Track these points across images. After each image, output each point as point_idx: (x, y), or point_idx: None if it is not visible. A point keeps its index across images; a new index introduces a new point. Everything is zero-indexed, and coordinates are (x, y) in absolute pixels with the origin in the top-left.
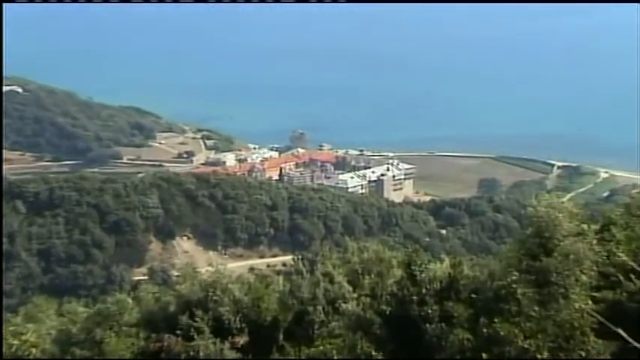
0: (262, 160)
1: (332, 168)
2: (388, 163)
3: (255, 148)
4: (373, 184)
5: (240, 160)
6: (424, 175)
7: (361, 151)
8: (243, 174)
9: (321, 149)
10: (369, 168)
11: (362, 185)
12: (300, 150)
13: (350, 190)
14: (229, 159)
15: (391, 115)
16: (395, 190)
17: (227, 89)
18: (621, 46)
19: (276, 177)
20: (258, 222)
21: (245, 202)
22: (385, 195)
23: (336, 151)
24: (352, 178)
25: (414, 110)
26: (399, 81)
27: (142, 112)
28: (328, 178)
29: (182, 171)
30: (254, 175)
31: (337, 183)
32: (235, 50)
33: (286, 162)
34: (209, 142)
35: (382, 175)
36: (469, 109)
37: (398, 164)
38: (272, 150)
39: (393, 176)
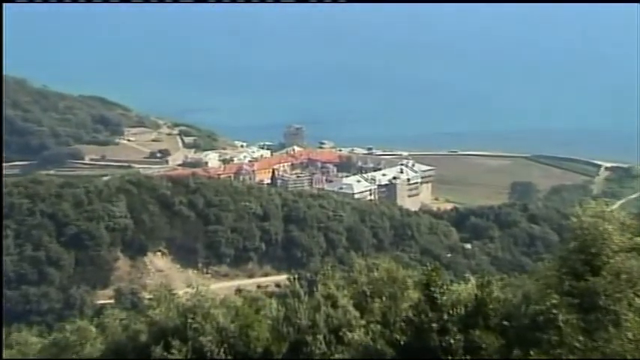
0: (251, 161)
1: (335, 170)
2: (402, 164)
3: (242, 146)
4: (384, 189)
5: (224, 161)
6: (445, 178)
7: (369, 149)
8: (229, 177)
9: (321, 147)
10: (379, 170)
11: (370, 190)
12: (297, 148)
13: (356, 196)
14: (212, 159)
15: (405, 106)
16: (410, 196)
17: (210, 75)
18: None
19: (268, 180)
20: (246, 234)
21: (231, 211)
22: (398, 202)
23: (340, 150)
24: (359, 181)
25: (432, 101)
26: (415, 67)
27: (107, 103)
28: (330, 181)
29: (156, 173)
30: (241, 178)
31: (341, 188)
32: (219, 27)
33: (280, 162)
34: (188, 139)
35: (395, 178)
36: (497, 100)
37: (413, 165)
38: (263, 148)
39: (408, 179)
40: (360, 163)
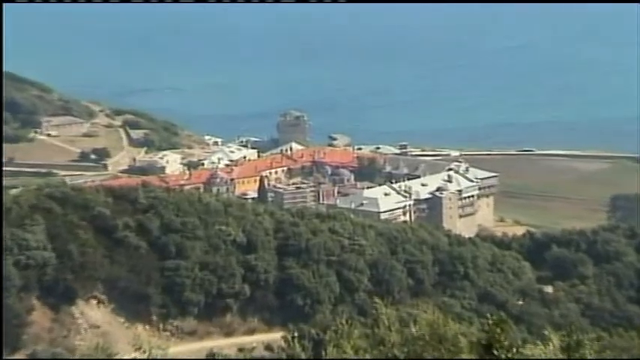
0: (229, 165)
1: (351, 177)
2: (450, 169)
3: (216, 144)
4: (424, 205)
5: (190, 165)
6: (514, 189)
7: (403, 147)
8: (197, 188)
9: (332, 145)
10: (417, 177)
11: (404, 208)
12: (296, 146)
13: (383, 215)
14: (172, 162)
15: (454, 85)
16: (463, 215)
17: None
18: None
19: (253, 193)
20: (222, 273)
21: (199, 239)
22: (445, 224)
23: (359, 149)
24: (387, 194)
25: (495, 79)
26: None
27: (17, 80)
28: (345, 195)
29: (89, 183)
30: (215, 190)
31: (361, 204)
32: None
33: (272, 167)
34: (136, 134)
35: (440, 189)
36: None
37: (467, 170)
38: (246, 147)
39: (459, 192)
40: (388, 168)
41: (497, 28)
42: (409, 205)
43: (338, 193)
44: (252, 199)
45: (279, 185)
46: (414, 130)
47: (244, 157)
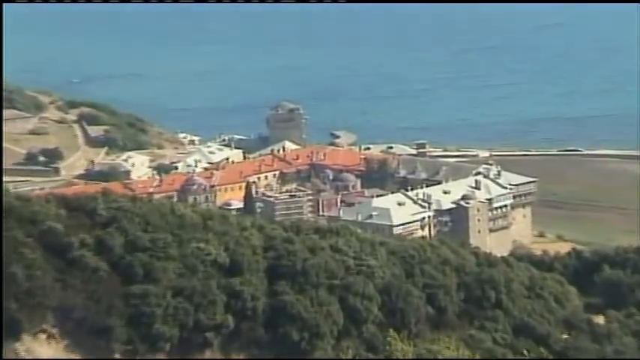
0: (209, 169)
1: (357, 183)
2: (479, 173)
3: (192, 143)
4: (447, 217)
5: (161, 169)
6: (555, 197)
7: (420, 146)
8: (169, 197)
9: (334, 144)
10: (438, 183)
11: (423, 220)
12: (290, 145)
13: (397, 229)
14: (138, 166)
15: (479, 68)
16: (494, 230)
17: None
18: None
19: (239, 203)
20: (200, 301)
21: (173, 259)
22: (473, 240)
23: (367, 148)
24: (401, 204)
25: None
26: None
27: None
28: (350, 204)
29: (37, 192)
30: (192, 198)
31: (370, 216)
32: None
33: (260, 171)
34: (94, 130)
35: (466, 198)
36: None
37: (499, 174)
38: (229, 146)
39: (489, 200)
40: (403, 172)
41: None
42: (428, 218)
43: (341, 202)
44: (237, 210)
45: (269, 193)
46: (433, 126)
47: (227, 159)
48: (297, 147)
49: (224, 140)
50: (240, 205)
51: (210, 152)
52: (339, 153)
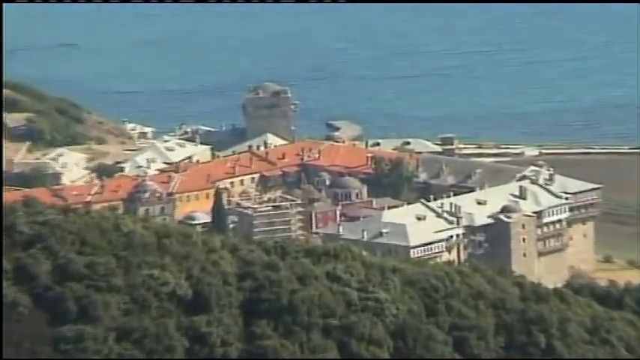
0: (166, 171)
1: (363, 190)
2: (524, 177)
3: (144, 136)
4: (482, 234)
5: (102, 171)
6: (625, 209)
7: (447, 141)
8: (113, 208)
9: (331, 138)
10: (469, 189)
11: (450, 239)
12: (274, 140)
13: (416, 251)
14: (73, 165)
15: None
16: (545, 252)
17: None
18: None
19: (205, 217)
20: (154, 345)
21: (117, 291)
22: (516, 267)
23: (376, 144)
24: (421, 219)
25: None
26: None
27: None
28: (353, 218)
29: None
30: (143, 210)
31: (380, 233)
32: None
33: (233, 174)
34: (12, 119)
35: (507, 210)
36: None
37: (551, 178)
38: (192, 141)
39: (539, 214)
40: (423, 176)
41: None
42: (457, 236)
43: (342, 215)
44: (203, 225)
45: (246, 203)
46: (464, 115)
47: (190, 158)
48: (284, 142)
49: (186, 133)
50: (208, 218)
51: (168, 149)
52: (339, 150)
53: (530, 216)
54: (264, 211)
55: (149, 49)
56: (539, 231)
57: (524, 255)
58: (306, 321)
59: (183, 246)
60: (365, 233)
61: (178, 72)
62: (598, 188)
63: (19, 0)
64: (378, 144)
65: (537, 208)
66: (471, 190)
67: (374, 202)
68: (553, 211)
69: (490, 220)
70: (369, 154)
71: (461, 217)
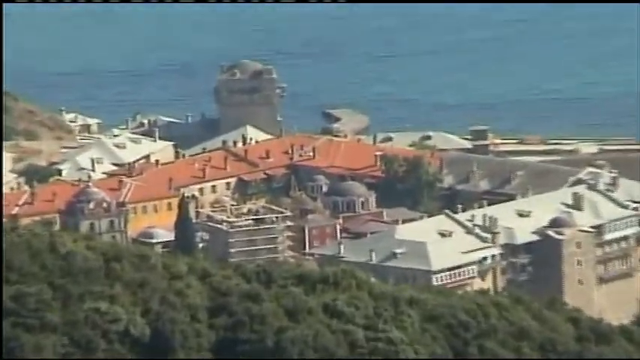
0: (116, 174)
1: (371, 198)
2: (580, 181)
3: (88, 129)
4: (524, 256)
5: (31, 174)
6: None
7: (478, 135)
8: (48, 222)
9: (329, 132)
10: (507, 198)
11: (484, 261)
12: (255, 135)
13: (439, 277)
14: None
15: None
16: (608, 278)
17: None
18: None
19: (166, 233)
20: None
21: (53, 330)
22: (569, 297)
23: (387, 139)
24: (446, 236)
25: None
26: None
27: None
28: (357, 235)
29: None
30: (87, 224)
31: (392, 255)
32: None
33: (203, 178)
34: None
35: (558, 224)
36: None
37: (614, 183)
38: (148, 135)
39: (598, 228)
40: (449, 179)
41: None
42: (493, 258)
43: (343, 231)
44: (165, 244)
45: (220, 216)
46: (501, 101)
47: (146, 158)
48: (268, 137)
49: (142, 125)
50: (170, 236)
51: (119, 146)
52: (339, 147)
53: (587, 231)
54: (243, 225)
55: (92, 20)
56: (598, 251)
57: (580, 282)
58: None
59: (139, 271)
60: (374, 254)
61: (130, 48)
62: None
63: (19, 0)
64: (389, 139)
65: (597, 222)
66: (511, 198)
67: (385, 214)
68: (617, 225)
69: (535, 237)
70: (379, 152)
71: (497, 233)
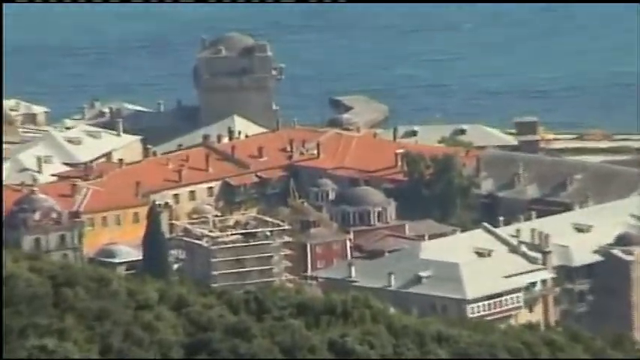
0: (68, 177)
1: (390, 206)
2: None
3: (33, 120)
4: (585, 281)
5: None
6: None
7: (526, 128)
8: None
9: (339, 123)
10: (563, 207)
11: (532, 288)
12: (245, 127)
13: (476, 307)
14: None
15: None
16: None
17: None
18: None
19: (132, 251)
20: None
21: None
22: None
23: (412, 133)
24: (484, 255)
25: None
26: None
27: None
28: (373, 254)
29: None
30: (31, 240)
31: (417, 279)
32: None
33: (179, 182)
34: None
35: (623, 241)
36: None
37: None
38: (110, 128)
39: None
40: (489, 184)
41: None
42: (544, 283)
43: (355, 249)
44: (130, 265)
45: (200, 229)
46: (551, 86)
47: (107, 156)
48: (261, 130)
49: (101, 115)
50: (138, 254)
51: (72, 141)
52: (351, 144)
53: None
54: (230, 242)
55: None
56: None
57: None
58: None
59: (97, 299)
60: (393, 278)
61: (87, 18)
62: None
63: (20, 0)
64: (414, 133)
65: None
66: (567, 208)
67: (407, 228)
68: None
69: (597, 258)
70: (400, 150)
71: (549, 253)
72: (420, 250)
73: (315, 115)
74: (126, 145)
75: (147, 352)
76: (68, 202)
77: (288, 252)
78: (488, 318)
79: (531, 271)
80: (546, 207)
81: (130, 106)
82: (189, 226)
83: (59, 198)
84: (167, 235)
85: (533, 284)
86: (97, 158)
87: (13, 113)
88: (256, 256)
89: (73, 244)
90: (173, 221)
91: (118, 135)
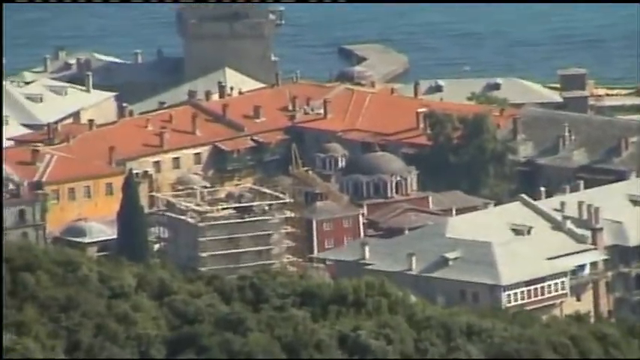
0: (27, 141)
1: (411, 176)
2: None
3: None
4: None
5: None
6: None
7: (572, 82)
8: None
9: (350, 77)
10: (616, 174)
11: (580, 272)
12: (238, 82)
13: (512, 294)
14: None
15: None
16: None
17: None
18: None
19: (104, 228)
20: None
21: None
22: None
23: (435, 88)
24: (523, 233)
25: None
26: None
27: None
28: (388, 231)
29: None
30: None
31: (443, 260)
32: None
33: (161, 147)
34: None
35: None
36: None
37: None
38: (78, 82)
39: None
40: (528, 148)
41: None
42: (594, 266)
43: (370, 226)
44: (103, 245)
45: (186, 203)
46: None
47: (76, 115)
48: (258, 86)
49: (67, 67)
50: (112, 233)
51: (32, 98)
52: (364, 101)
53: None
54: (221, 217)
55: None
56: None
57: None
58: None
59: (63, 286)
60: (414, 260)
61: None
62: None
63: (20, 0)
64: (439, 89)
65: None
66: (620, 177)
67: (431, 201)
68: None
69: None
70: (422, 109)
71: (600, 230)
72: (447, 227)
73: (322, 67)
74: (97, 104)
75: (122, 350)
76: (28, 171)
77: (290, 230)
78: (528, 308)
79: (579, 252)
80: (596, 176)
81: (102, 57)
82: (172, 199)
83: (17, 166)
84: (146, 210)
85: (581, 267)
86: (62, 119)
87: None
88: (252, 234)
89: (35, 220)
90: (154, 193)
91: (88, 91)
